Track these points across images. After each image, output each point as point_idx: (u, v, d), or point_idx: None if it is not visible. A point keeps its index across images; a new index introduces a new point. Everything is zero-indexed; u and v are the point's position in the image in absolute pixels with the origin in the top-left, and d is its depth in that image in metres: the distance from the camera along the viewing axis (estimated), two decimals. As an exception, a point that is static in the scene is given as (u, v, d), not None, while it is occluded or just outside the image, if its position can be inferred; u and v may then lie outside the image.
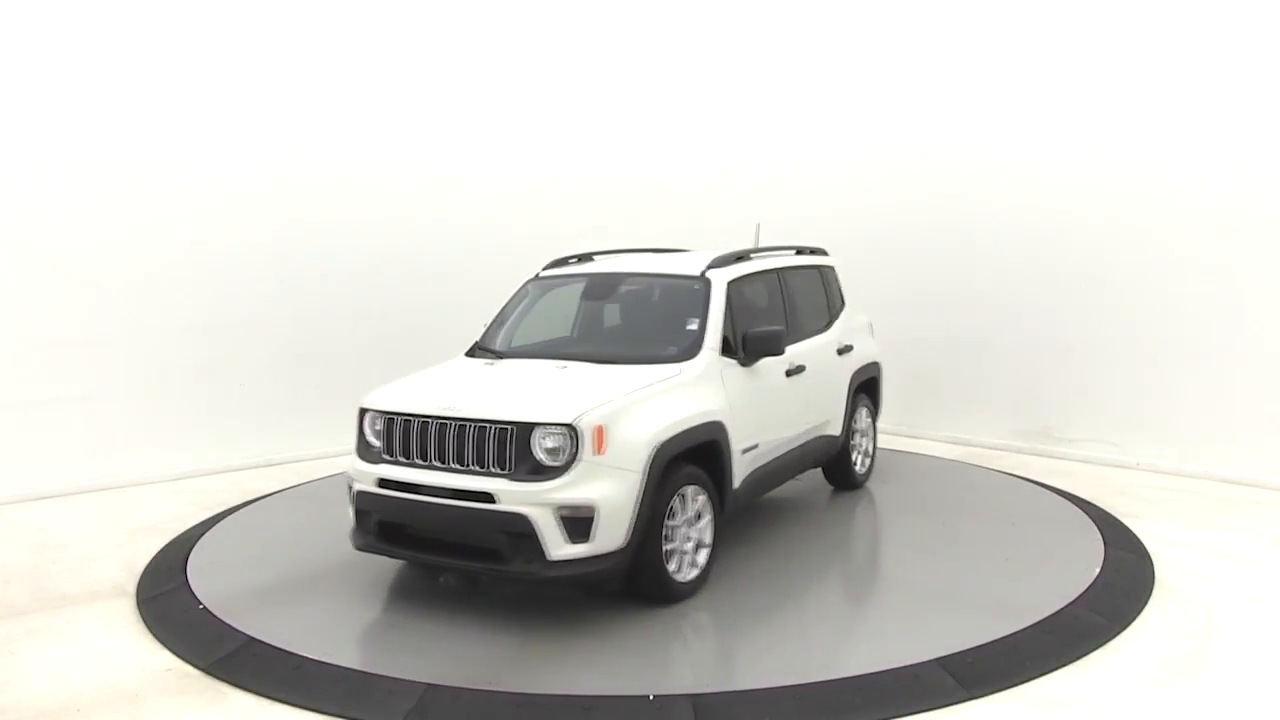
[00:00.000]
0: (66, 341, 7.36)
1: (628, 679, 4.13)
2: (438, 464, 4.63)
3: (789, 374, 5.82)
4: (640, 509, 4.49)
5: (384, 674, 4.08)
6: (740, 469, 5.28)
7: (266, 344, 8.23)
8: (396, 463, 4.77)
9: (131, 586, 5.31)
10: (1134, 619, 4.59)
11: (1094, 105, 7.74)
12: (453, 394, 4.84)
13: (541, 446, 4.43)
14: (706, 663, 4.36)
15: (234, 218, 8.05)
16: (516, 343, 5.85)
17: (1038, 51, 8.05)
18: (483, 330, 6.06)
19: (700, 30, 9.95)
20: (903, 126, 8.95)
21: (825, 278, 6.85)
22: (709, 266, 5.62)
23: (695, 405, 4.92)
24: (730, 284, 5.57)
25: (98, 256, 7.49)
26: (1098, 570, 5.17)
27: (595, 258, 6.40)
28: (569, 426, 4.40)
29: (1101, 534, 5.81)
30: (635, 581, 4.72)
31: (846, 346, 6.69)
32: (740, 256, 5.93)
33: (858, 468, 6.97)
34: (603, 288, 6.08)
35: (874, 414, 7.26)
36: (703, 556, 4.97)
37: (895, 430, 8.72)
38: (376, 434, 4.92)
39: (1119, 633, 4.43)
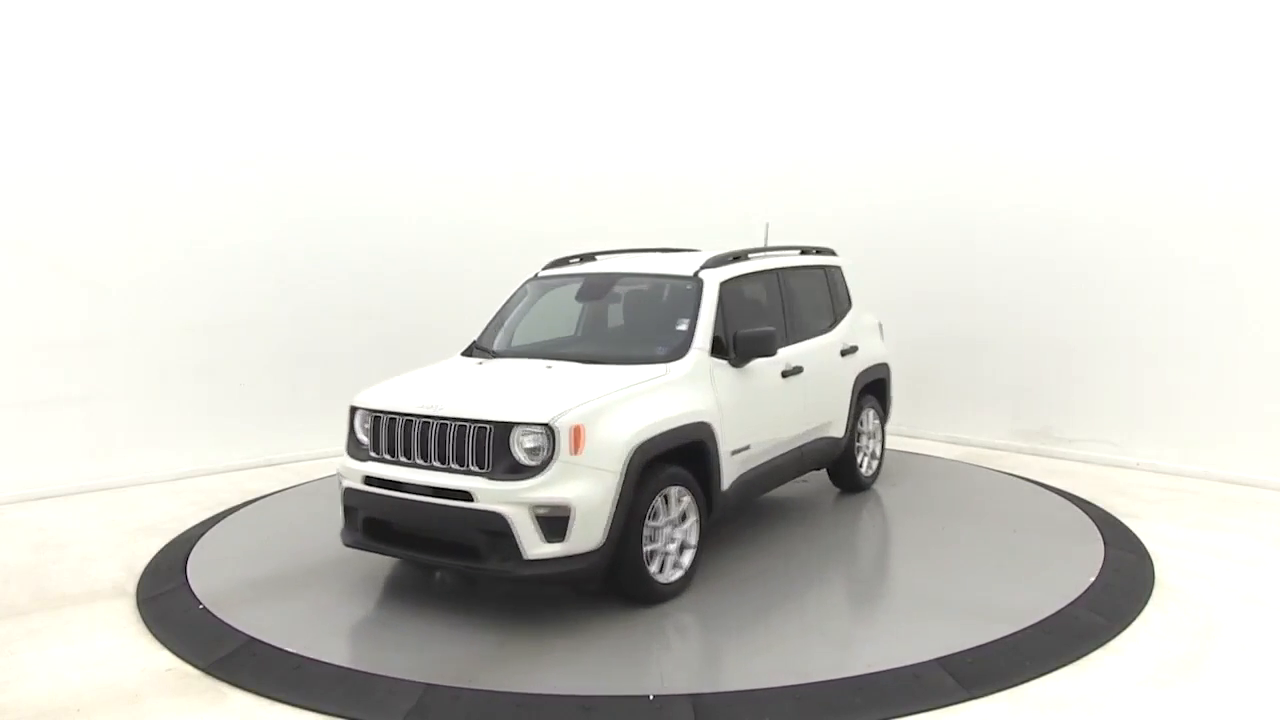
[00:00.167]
0: (66, 341, 7.36)
1: (628, 679, 4.13)
2: (420, 462, 4.70)
3: (785, 375, 5.79)
4: (617, 509, 4.50)
5: (384, 674, 4.07)
6: (730, 470, 5.26)
7: (266, 344, 8.23)
8: (382, 460, 4.84)
9: (131, 586, 5.30)
10: (1134, 619, 4.59)
11: (1094, 105, 7.74)
12: (436, 393, 4.90)
13: (520, 446, 4.47)
14: (707, 663, 4.36)
15: (234, 218, 8.05)
16: (511, 342, 5.88)
17: (1038, 52, 8.05)
18: (482, 329, 6.08)
19: (701, 30, 9.95)
20: (903, 127, 8.95)
21: (830, 278, 6.79)
22: (703, 266, 5.60)
23: (679, 406, 4.91)
24: (724, 284, 5.55)
25: (98, 256, 7.49)
26: (1098, 570, 5.17)
27: (598, 257, 6.39)
28: (546, 426, 4.43)
29: (1101, 534, 5.81)
30: (615, 581, 4.73)
31: (851, 348, 6.63)
32: (738, 257, 5.90)
33: (863, 470, 6.91)
34: (597, 288, 6.08)
35: (882, 416, 7.18)
36: (687, 558, 4.96)
37: (895, 430, 8.67)
38: (365, 432, 4.99)
39: (1119, 633, 4.43)
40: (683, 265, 5.74)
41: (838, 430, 6.48)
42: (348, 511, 5.02)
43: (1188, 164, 7.27)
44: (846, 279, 6.98)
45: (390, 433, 4.82)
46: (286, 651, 4.33)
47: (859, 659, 4.21)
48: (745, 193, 9.73)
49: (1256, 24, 6.90)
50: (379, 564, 5.45)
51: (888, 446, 7.38)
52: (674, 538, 4.90)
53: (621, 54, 9.83)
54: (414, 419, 4.74)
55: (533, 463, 4.43)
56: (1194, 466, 7.30)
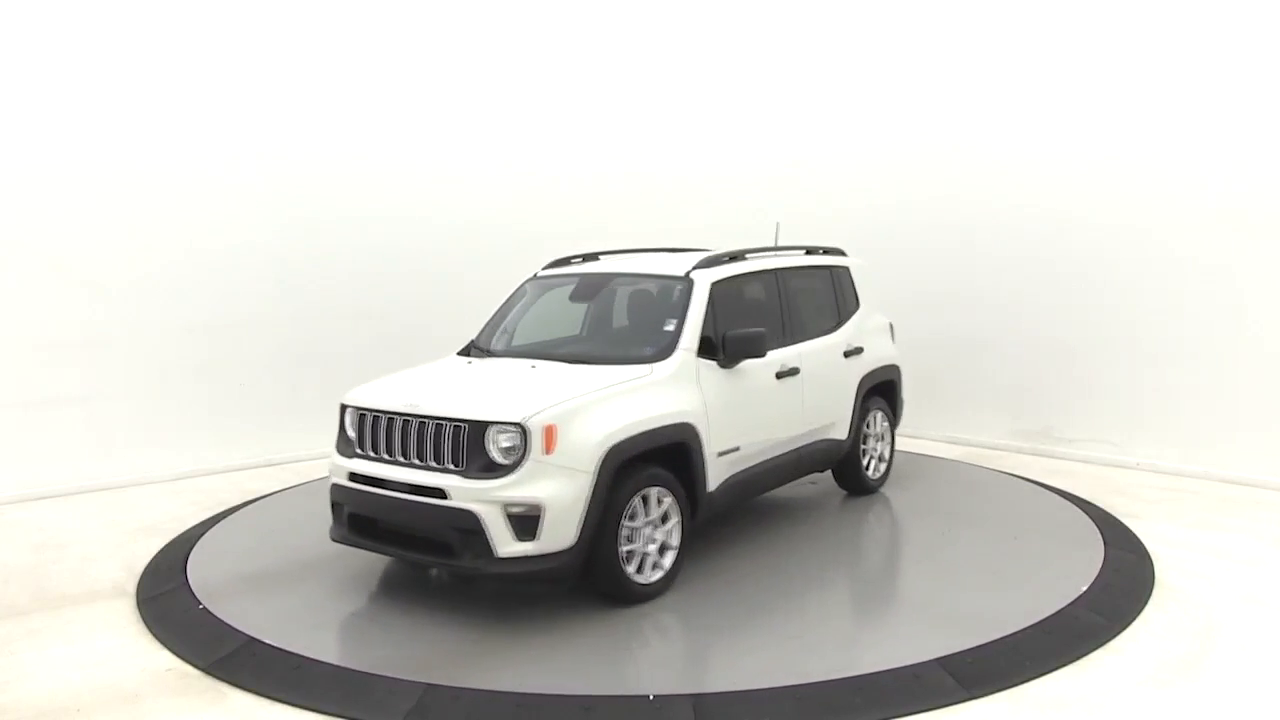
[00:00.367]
0: (66, 341, 7.36)
1: (628, 679, 4.14)
2: (401, 459, 4.76)
3: (780, 376, 5.75)
4: (590, 509, 4.51)
5: (384, 674, 4.07)
6: (717, 472, 5.24)
7: (266, 344, 8.23)
8: (366, 457, 4.91)
9: (131, 586, 5.31)
10: (1134, 619, 4.59)
11: (1094, 105, 7.74)
12: (418, 392, 4.95)
13: (496, 445, 4.50)
14: (707, 663, 4.36)
15: (234, 218, 8.05)
16: (505, 342, 5.91)
17: (1038, 52, 8.05)
18: (480, 329, 6.10)
19: (702, 30, 9.95)
20: (903, 127, 8.95)
21: (835, 278, 6.70)
22: (695, 267, 5.58)
23: (660, 406, 4.90)
24: (715, 285, 5.51)
25: (98, 256, 7.49)
26: (1098, 570, 5.17)
27: (602, 257, 6.39)
28: (519, 425, 4.45)
29: (1101, 534, 5.81)
30: (592, 581, 4.75)
31: (855, 349, 6.55)
32: (734, 257, 5.87)
33: (870, 472, 6.83)
34: (590, 288, 6.09)
35: (892, 418, 7.07)
36: (669, 559, 4.96)
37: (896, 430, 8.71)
38: (353, 429, 5.06)
39: (1119, 633, 4.43)
40: (676, 265, 5.70)
41: (840, 432, 6.42)
42: (334, 507, 5.11)
43: (1188, 164, 7.27)
44: (855, 279, 6.87)
45: (374, 430, 4.90)
46: (286, 651, 4.33)
47: (859, 659, 4.21)
48: (745, 192, 9.73)
49: (1256, 24, 6.90)
50: (378, 563, 5.46)
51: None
52: (654, 538, 4.90)
53: (622, 54, 9.83)
54: (395, 417, 4.81)
55: (506, 462, 4.47)
56: (1194, 466, 7.30)
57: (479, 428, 4.53)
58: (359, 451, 4.97)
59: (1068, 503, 6.56)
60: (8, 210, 7.14)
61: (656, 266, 5.87)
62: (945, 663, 4.08)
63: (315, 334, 8.42)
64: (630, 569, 4.77)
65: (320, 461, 7.82)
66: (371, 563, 5.47)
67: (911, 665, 4.06)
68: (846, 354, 6.48)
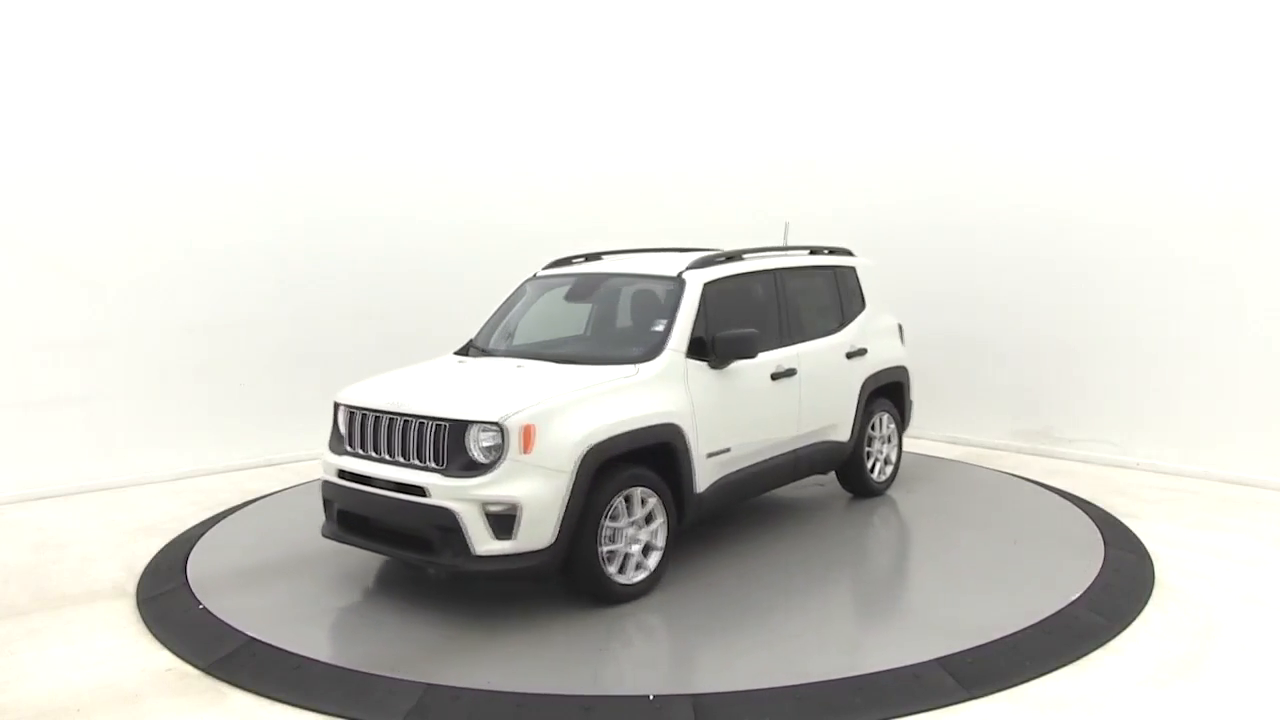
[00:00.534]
0: (66, 341, 7.36)
1: (628, 679, 4.14)
2: (386, 457, 4.83)
3: (775, 377, 5.71)
4: (568, 508, 4.52)
5: (384, 674, 4.07)
6: (706, 473, 5.23)
7: (266, 344, 8.23)
8: (355, 455, 4.97)
9: (131, 586, 5.31)
10: (1134, 619, 4.59)
11: (1094, 106, 7.74)
12: (404, 390, 4.99)
13: (477, 445, 4.53)
14: (707, 662, 4.35)
15: (234, 218, 8.05)
16: (499, 341, 5.93)
17: (1039, 52, 8.05)
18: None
19: (702, 30, 9.95)
20: (903, 127, 8.96)
21: (840, 279, 6.61)
22: (689, 267, 5.55)
23: (644, 407, 4.90)
24: (708, 285, 5.48)
25: (97, 256, 7.49)
26: (1098, 570, 5.17)
27: (605, 257, 6.38)
28: (497, 425, 4.48)
29: (1101, 534, 5.81)
30: (572, 580, 4.77)
31: (859, 350, 6.46)
32: (731, 257, 5.84)
33: (875, 475, 6.75)
34: (585, 288, 6.09)
35: (899, 420, 6.98)
36: (653, 559, 4.95)
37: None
38: (344, 426, 5.13)
39: (1119, 633, 4.43)
40: (670, 266, 5.67)
41: (842, 434, 6.36)
42: (325, 504, 5.20)
43: (1188, 164, 7.27)
44: (864, 280, 6.78)
45: (361, 428, 4.97)
46: (286, 651, 4.33)
47: (859, 659, 4.21)
48: (745, 192, 9.73)
49: (1256, 24, 6.90)
50: (378, 563, 5.46)
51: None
52: (638, 539, 4.89)
53: (622, 55, 9.83)
54: (381, 415, 4.87)
55: (485, 461, 4.50)
56: (1194, 466, 7.30)
57: (459, 427, 4.58)
58: (348, 449, 5.05)
59: (1068, 503, 6.56)
60: (8, 210, 7.14)
61: (650, 267, 5.85)
62: (945, 663, 4.08)
63: (315, 334, 8.42)
64: (612, 569, 4.77)
65: (320, 461, 7.85)
66: (371, 562, 5.47)
67: (911, 665, 4.06)
68: (849, 355, 6.40)
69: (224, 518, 6.56)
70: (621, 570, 4.83)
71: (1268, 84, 6.88)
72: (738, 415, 5.45)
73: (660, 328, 5.30)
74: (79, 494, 7.28)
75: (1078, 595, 4.80)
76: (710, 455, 5.24)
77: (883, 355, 6.72)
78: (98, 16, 7.39)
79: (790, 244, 6.64)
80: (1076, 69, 7.83)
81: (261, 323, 8.21)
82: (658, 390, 5.02)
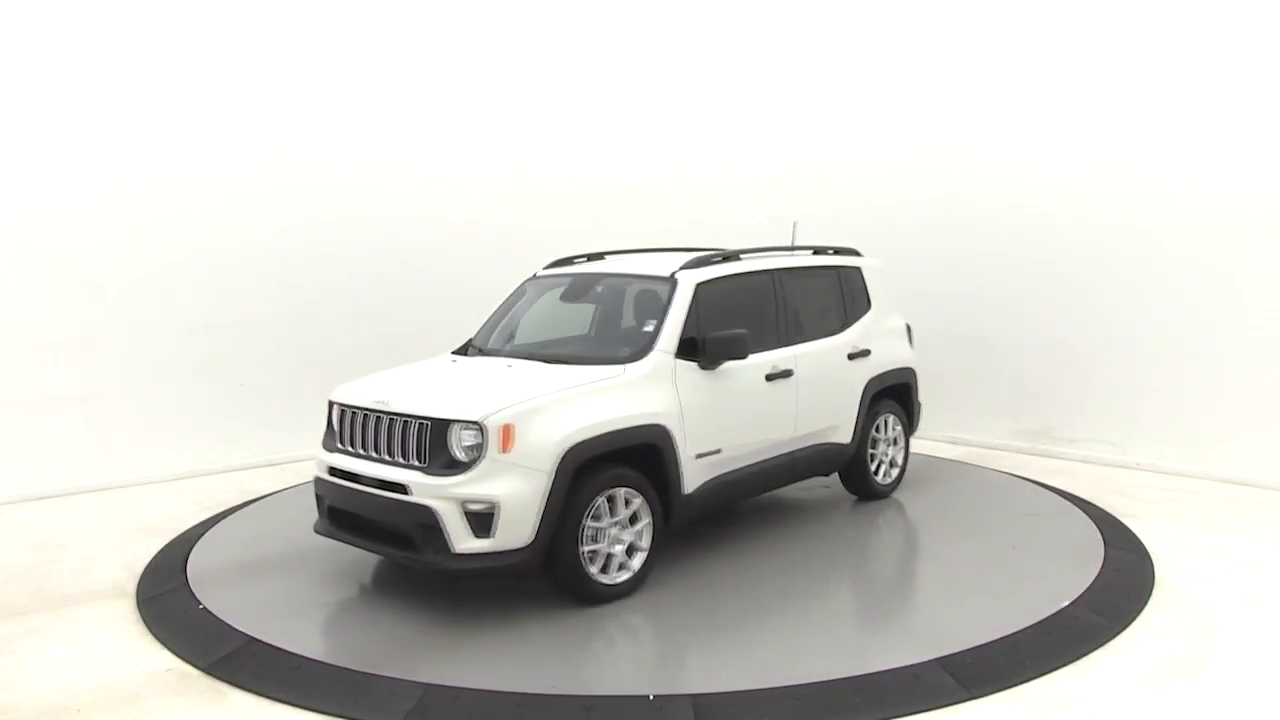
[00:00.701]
0: (66, 341, 7.36)
1: (628, 678, 4.14)
2: (373, 455, 4.89)
3: (770, 378, 5.67)
4: (547, 507, 4.54)
5: (384, 674, 4.07)
6: (694, 474, 5.21)
7: (266, 344, 8.23)
8: (344, 452, 5.05)
9: (131, 586, 5.31)
10: (1134, 619, 4.59)
11: (1095, 106, 7.74)
12: (391, 389, 5.03)
13: (460, 443, 4.56)
14: (707, 662, 4.35)
15: (234, 218, 8.05)
16: (495, 341, 5.94)
17: (1039, 52, 8.05)
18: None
19: (702, 30, 9.95)
20: (903, 127, 8.96)
21: (844, 279, 6.54)
22: (682, 267, 5.54)
23: (628, 407, 4.89)
24: (700, 285, 5.46)
25: (98, 256, 7.49)
26: (1098, 570, 5.17)
27: (607, 256, 6.37)
28: (476, 424, 4.51)
29: (1101, 534, 5.81)
30: (554, 580, 4.79)
31: (862, 351, 6.38)
32: (727, 257, 5.81)
33: (880, 478, 6.67)
34: (580, 288, 6.09)
35: (906, 423, 6.87)
36: (638, 560, 4.95)
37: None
38: (337, 424, 5.20)
39: (1119, 633, 4.43)
40: (664, 266, 5.65)
41: (843, 436, 6.29)
42: (318, 500, 5.26)
43: (1188, 164, 7.27)
44: (869, 280, 6.69)
45: (350, 425, 5.04)
46: (286, 651, 4.33)
47: (859, 659, 4.21)
48: (746, 192, 9.73)
49: (1256, 25, 6.90)
50: (377, 561, 5.46)
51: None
52: (621, 539, 4.89)
53: (622, 54, 9.83)
54: (369, 413, 4.93)
55: (466, 460, 4.53)
56: (1194, 466, 7.30)
57: (441, 426, 4.62)
58: (339, 446, 5.11)
59: (1068, 503, 6.56)
60: (8, 210, 7.15)
61: (645, 267, 5.83)
62: (945, 663, 4.08)
63: (315, 334, 8.42)
64: (594, 569, 4.77)
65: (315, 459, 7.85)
66: (371, 561, 5.47)
67: (911, 665, 4.06)
68: (851, 356, 6.33)
69: (224, 518, 6.56)
70: (604, 570, 4.83)
71: (1267, 85, 6.88)
72: (729, 416, 5.42)
73: (650, 328, 5.31)
74: (79, 494, 7.28)
75: (1078, 595, 4.80)
76: (699, 456, 5.22)
77: (888, 356, 6.64)
78: (98, 17, 7.39)
79: (798, 244, 6.61)
80: (1077, 70, 7.83)
81: (261, 323, 8.21)
82: (643, 391, 5.01)
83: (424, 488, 4.55)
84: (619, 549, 4.88)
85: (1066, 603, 4.70)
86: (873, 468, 6.63)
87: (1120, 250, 7.64)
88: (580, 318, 6.09)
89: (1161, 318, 7.46)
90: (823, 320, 6.31)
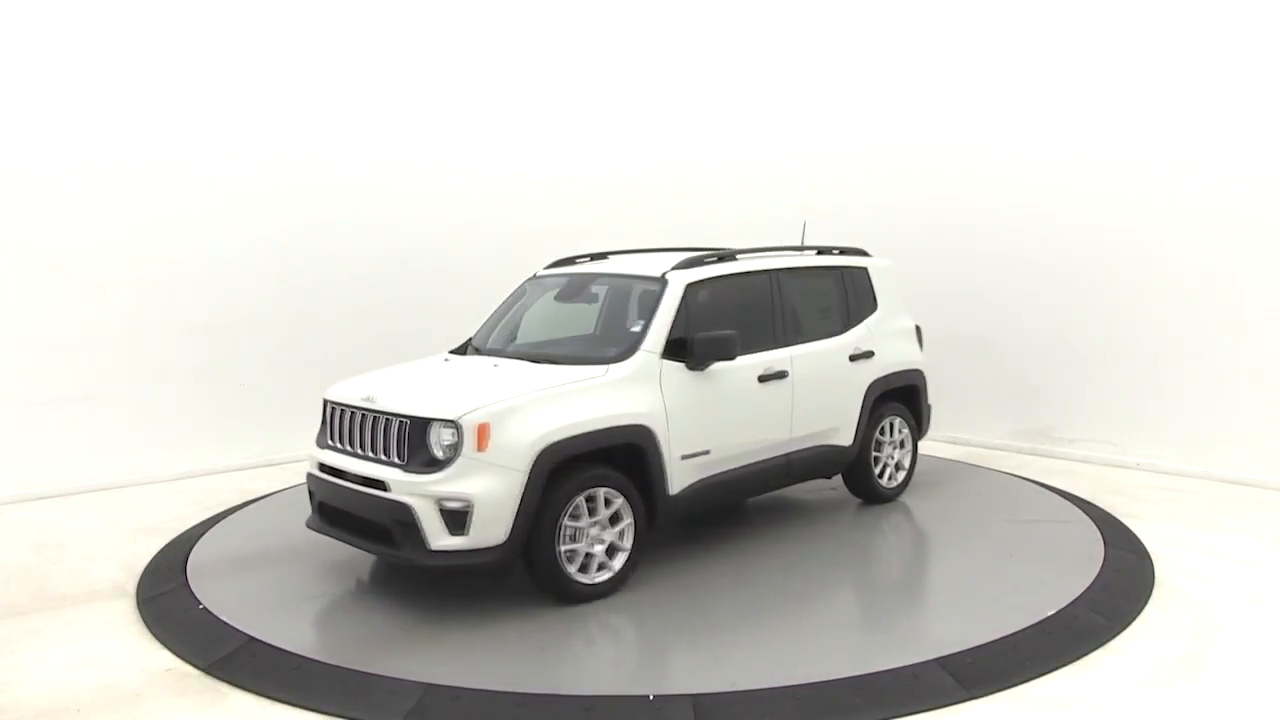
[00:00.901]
0: (66, 341, 7.37)
1: (628, 678, 4.14)
2: (359, 451, 4.95)
3: (763, 379, 5.63)
4: (523, 506, 4.57)
5: (384, 674, 4.07)
6: (681, 475, 5.20)
7: (266, 344, 8.23)
8: (333, 449, 5.13)
9: (131, 586, 5.31)
10: (1134, 619, 4.59)
11: (1095, 106, 7.74)
12: (378, 387, 5.08)
13: (440, 442, 4.61)
14: (707, 662, 4.35)
15: (233, 217, 8.05)
16: (490, 341, 5.96)
17: (1040, 53, 8.05)
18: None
19: (702, 29, 9.94)
20: (904, 126, 8.96)
21: (848, 280, 6.45)
22: (674, 267, 5.52)
23: (608, 408, 4.89)
24: (690, 286, 5.44)
25: (98, 256, 7.50)
26: (1098, 570, 5.17)
27: (610, 256, 6.36)
28: (453, 423, 4.55)
29: (1101, 534, 5.81)
30: (533, 578, 4.82)
31: (864, 352, 6.29)
32: (723, 257, 5.79)
33: (885, 481, 6.58)
34: (574, 289, 6.10)
35: (913, 425, 6.77)
36: (619, 560, 4.94)
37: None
38: (328, 421, 5.28)
39: (1119, 633, 4.43)
40: (658, 266, 5.63)
41: (843, 439, 6.21)
42: (310, 495, 5.33)
43: (1188, 165, 7.27)
44: (875, 281, 6.62)
45: (339, 422, 5.11)
46: (286, 651, 4.33)
47: (859, 659, 4.20)
48: (746, 191, 9.73)
49: (1256, 25, 6.90)
50: (376, 561, 5.46)
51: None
52: (601, 539, 4.89)
53: (622, 53, 9.82)
54: (355, 410, 5.00)
55: (444, 458, 4.57)
56: (1194, 466, 7.30)
57: (420, 424, 4.67)
58: (329, 443, 5.18)
59: (1068, 503, 6.56)
60: (8, 210, 7.15)
61: (639, 267, 5.82)
62: (945, 663, 4.08)
63: (315, 334, 8.42)
64: (572, 568, 4.77)
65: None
66: (370, 560, 5.48)
67: (911, 665, 4.06)
68: (853, 358, 6.24)
69: (224, 518, 6.57)
70: (584, 570, 4.83)
71: (1267, 85, 6.88)
72: (718, 418, 5.39)
73: (638, 328, 5.31)
74: (79, 494, 7.28)
75: (1078, 595, 4.80)
76: (686, 457, 5.21)
77: (893, 358, 6.53)
78: (98, 17, 7.39)
79: (806, 244, 6.59)
80: (1077, 70, 7.83)
81: (261, 323, 8.21)
82: (626, 391, 5.01)
83: (402, 485, 4.61)
84: (599, 549, 4.89)
85: (1066, 603, 4.70)
86: (877, 471, 6.56)
87: (1120, 250, 7.64)
88: (575, 318, 6.10)
89: (1161, 318, 7.46)
90: (823, 321, 6.26)
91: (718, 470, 5.44)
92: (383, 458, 4.79)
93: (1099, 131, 7.72)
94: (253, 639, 4.47)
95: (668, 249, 6.42)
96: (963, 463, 7.88)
